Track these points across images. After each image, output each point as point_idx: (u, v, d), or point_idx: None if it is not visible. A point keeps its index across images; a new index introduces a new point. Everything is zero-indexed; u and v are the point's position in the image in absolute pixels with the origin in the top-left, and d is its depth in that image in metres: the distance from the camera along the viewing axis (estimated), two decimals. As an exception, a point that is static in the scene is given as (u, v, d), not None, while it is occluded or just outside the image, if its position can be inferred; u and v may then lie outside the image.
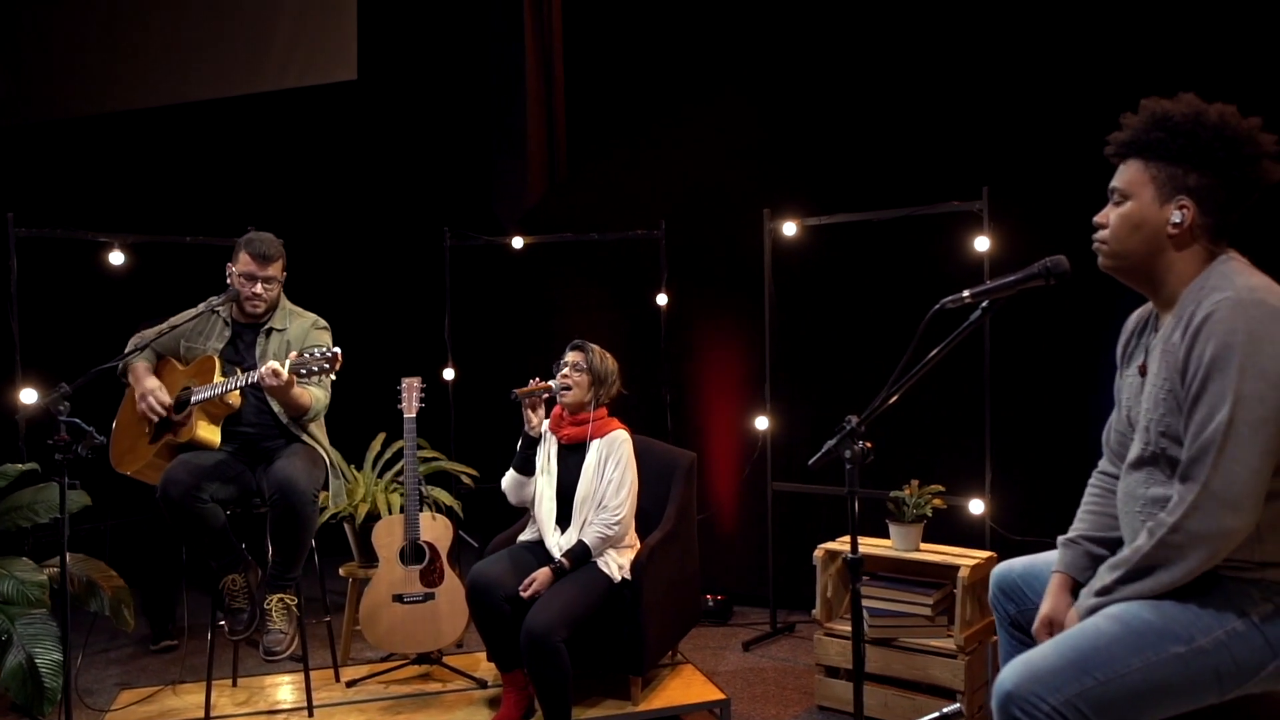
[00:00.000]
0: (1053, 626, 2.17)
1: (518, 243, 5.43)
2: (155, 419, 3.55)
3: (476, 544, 4.06)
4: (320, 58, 6.63)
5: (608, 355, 3.76)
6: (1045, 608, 2.21)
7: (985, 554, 3.89)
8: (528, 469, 3.74)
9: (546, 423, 3.78)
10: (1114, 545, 2.12)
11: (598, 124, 6.32)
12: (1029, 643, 2.25)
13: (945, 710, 2.04)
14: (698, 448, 4.70)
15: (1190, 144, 2.01)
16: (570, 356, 3.71)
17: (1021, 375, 4.55)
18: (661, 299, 5.31)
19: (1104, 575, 2.04)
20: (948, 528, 4.29)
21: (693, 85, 5.77)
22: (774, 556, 4.96)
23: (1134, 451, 2.12)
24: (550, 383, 3.69)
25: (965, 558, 3.81)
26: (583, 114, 6.51)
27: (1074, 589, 2.21)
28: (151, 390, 3.55)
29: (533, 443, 3.74)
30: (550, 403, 3.79)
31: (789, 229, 4.83)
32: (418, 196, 6.54)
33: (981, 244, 4.24)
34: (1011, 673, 1.95)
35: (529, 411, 3.70)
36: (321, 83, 6.62)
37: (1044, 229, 4.05)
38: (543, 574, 3.46)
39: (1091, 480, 2.39)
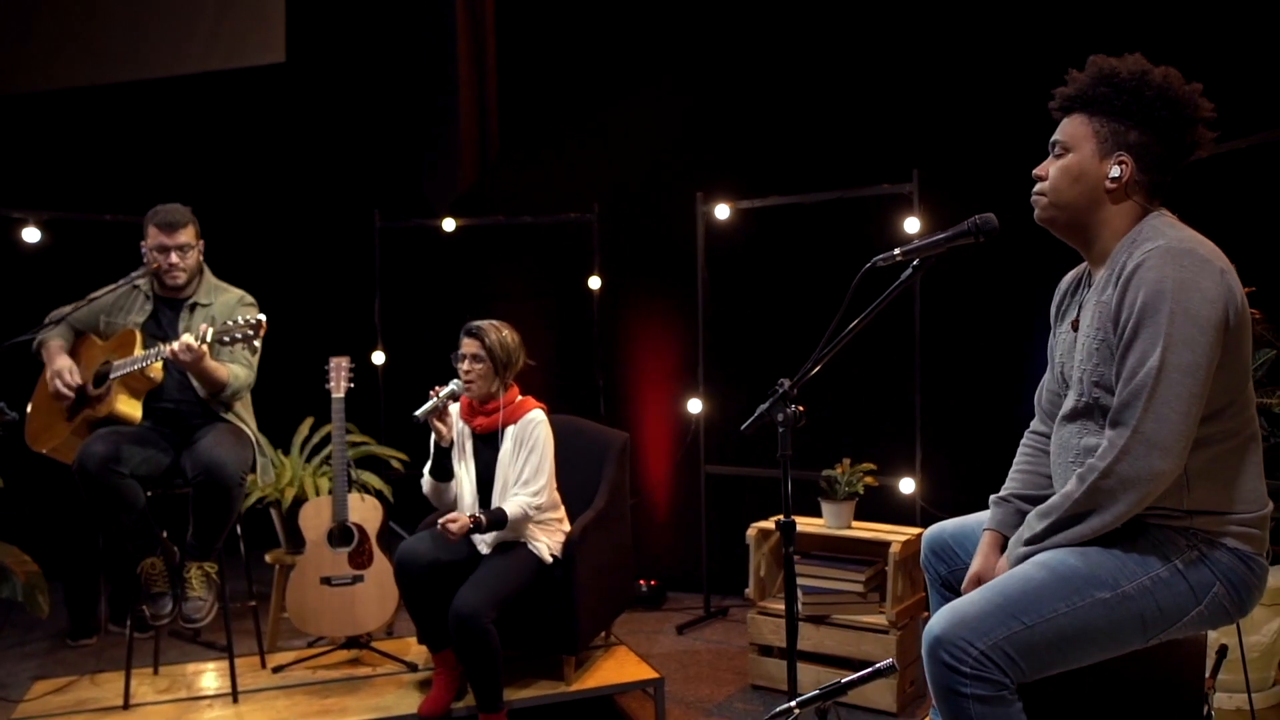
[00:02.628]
0: (980, 583, 2.18)
1: (449, 225, 5.37)
2: (68, 398, 3.44)
3: (406, 534, 4.01)
4: (247, 40, 6.50)
5: (504, 329, 3.56)
6: (975, 565, 2.23)
7: (916, 530, 3.93)
8: (445, 476, 3.59)
9: (457, 410, 3.63)
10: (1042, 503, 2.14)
11: (530, 107, 6.28)
12: (960, 602, 2.26)
13: (879, 665, 2.03)
14: (631, 431, 4.68)
15: (1134, 101, 2.04)
16: (467, 346, 3.51)
17: (950, 358, 4.61)
18: (594, 282, 5.28)
19: (1033, 523, 2.06)
20: (879, 507, 4.33)
21: (625, 69, 5.76)
22: (707, 541, 4.97)
23: (1068, 404, 2.14)
24: (452, 384, 3.50)
25: (897, 534, 3.85)
26: (515, 98, 6.46)
27: (1004, 547, 2.22)
28: (61, 370, 3.43)
29: (445, 452, 3.58)
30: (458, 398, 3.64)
31: (722, 212, 4.83)
32: (348, 179, 6.43)
33: (912, 225, 4.29)
34: (940, 619, 1.97)
35: (437, 424, 3.52)
36: (248, 65, 6.48)
37: (972, 210, 4.08)
38: (462, 518, 3.33)
39: (1024, 440, 2.41)
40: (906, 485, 4.33)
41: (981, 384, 4.58)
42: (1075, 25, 4.43)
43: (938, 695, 1.96)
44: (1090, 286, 2.15)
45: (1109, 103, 2.06)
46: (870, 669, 2.02)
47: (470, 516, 3.38)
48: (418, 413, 3.48)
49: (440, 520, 3.35)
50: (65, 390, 3.43)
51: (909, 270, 2.20)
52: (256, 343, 3.35)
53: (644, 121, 5.58)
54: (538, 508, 3.49)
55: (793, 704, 2.00)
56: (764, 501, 4.96)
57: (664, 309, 5.41)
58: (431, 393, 3.51)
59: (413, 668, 3.81)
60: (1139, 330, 1.93)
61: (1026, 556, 2.05)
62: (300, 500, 4.32)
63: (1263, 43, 3.81)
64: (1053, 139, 2.16)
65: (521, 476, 3.51)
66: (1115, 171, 2.05)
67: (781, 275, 5.09)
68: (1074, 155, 2.10)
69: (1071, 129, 2.12)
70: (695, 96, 5.46)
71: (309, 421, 4.82)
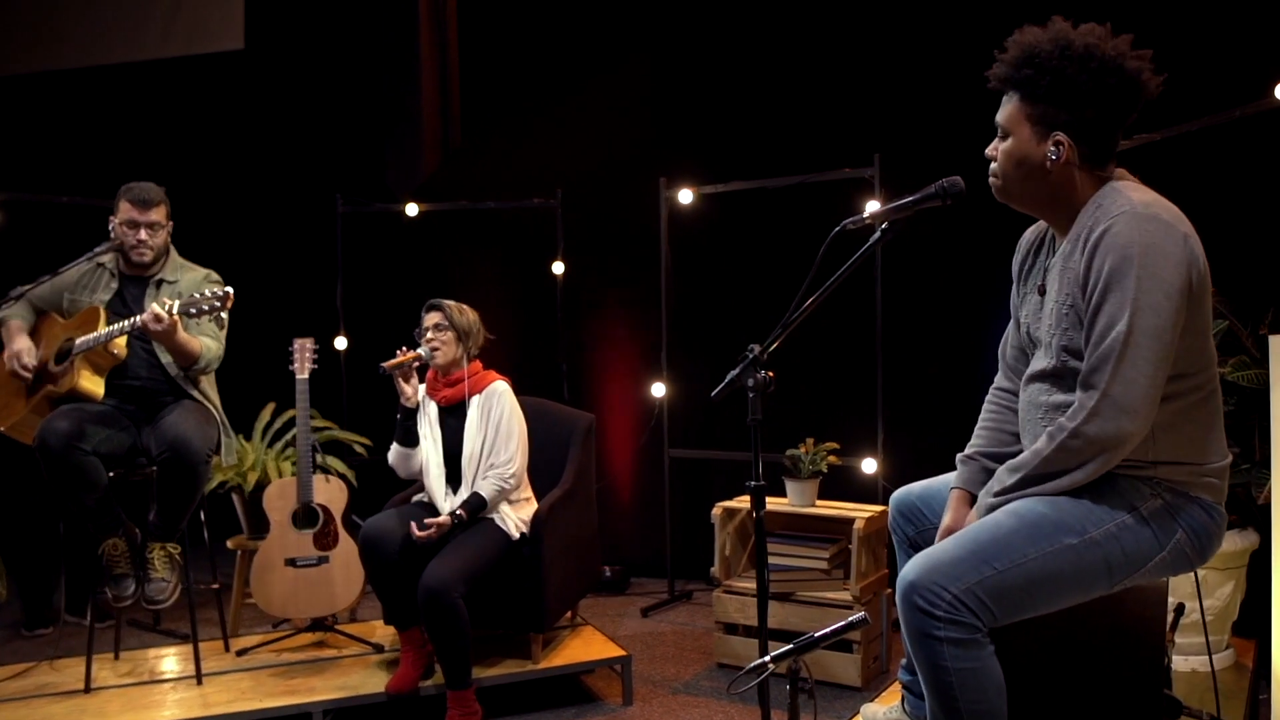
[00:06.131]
0: None
1: (412, 209, 5.35)
2: (25, 378, 3.40)
3: (362, 523, 4.02)
4: (205, 27, 6.44)
5: (465, 308, 3.69)
6: (946, 520, 2.27)
7: (879, 508, 3.98)
8: (410, 440, 3.66)
9: (423, 389, 3.71)
10: (1008, 460, 2.18)
11: (493, 93, 6.25)
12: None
13: (851, 619, 2.06)
14: (594, 416, 4.70)
15: (1057, 80, 2.05)
16: (430, 318, 3.64)
17: (911, 339, 4.66)
18: (558, 267, 5.29)
19: (1004, 477, 2.10)
20: (841, 487, 4.38)
21: (588, 54, 5.76)
22: (671, 525, 4.99)
23: (1036, 365, 2.19)
24: (418, 350, 3.61)
25: (860, 511, 3.89)
26: (478, 83, 6.44)
27: (972, 503, 2.27)
28: (18, 352, 3.41)
29: (410, 414, 3.66)
30: (423, 370, 3.72)
31: (685, 197, 4.86)
32: (310, 164, 6.37)
33: (874, 209, 4.32)
34: (914, 566, 2.01)
35: (401, 383, 3.60)
36: (207, 51, 6.42)
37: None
38: (442, 519, 3.40)
39: (988, 397, 2.45)
40: (869, 465, 4.38)
41: (942, 365, 4.64)
42: (1033, 8, 4.50)
43: (912, 640, 2.00)
44: (1055, 251, 2.19)
45: (1035, 85, 2.07)
46: (842, 623, 2.05)
47: (450, 515, 3.42)
48: (385, 364, 3.54)
49: (417, 537, 3.37)
50: (21, 373, 3.39)
51: (877, 234, 2.24)
52: (224, 315, 3.34)
53: (608, 107, 5.59)
54: (513, 475, 3.53)
55: (767, 659, 2.03)
56: (727, 485, 4.99)
57: (627, 294, 5.43)
58: (399, 351, 3.59)
59: (379, 649, 3.80)
60: (1107, 295, 1.97)
61: (995, 508, 2.09)
62: (263, 485, 4.29)
63: (1207, 29, 3.89)
64: (996, 119, 2.18)
65: (492, 446, 3.55)
66: (1053, 153, 2.08)
67: (745, 260, 5.13)
68: (1013, 140, 2.13)
69: (1008, 113, 2.14)
70: (658, 82, 5.48)
71: (271, 406, 4.78)
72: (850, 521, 3.80)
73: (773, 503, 4.06)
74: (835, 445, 4.04)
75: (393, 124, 6.42)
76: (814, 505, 4.00)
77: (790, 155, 4.85)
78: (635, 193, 5.16)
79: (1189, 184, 3.84)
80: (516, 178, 5.64)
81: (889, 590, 3.99)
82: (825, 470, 4.00)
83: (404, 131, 6.35)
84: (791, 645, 2.02)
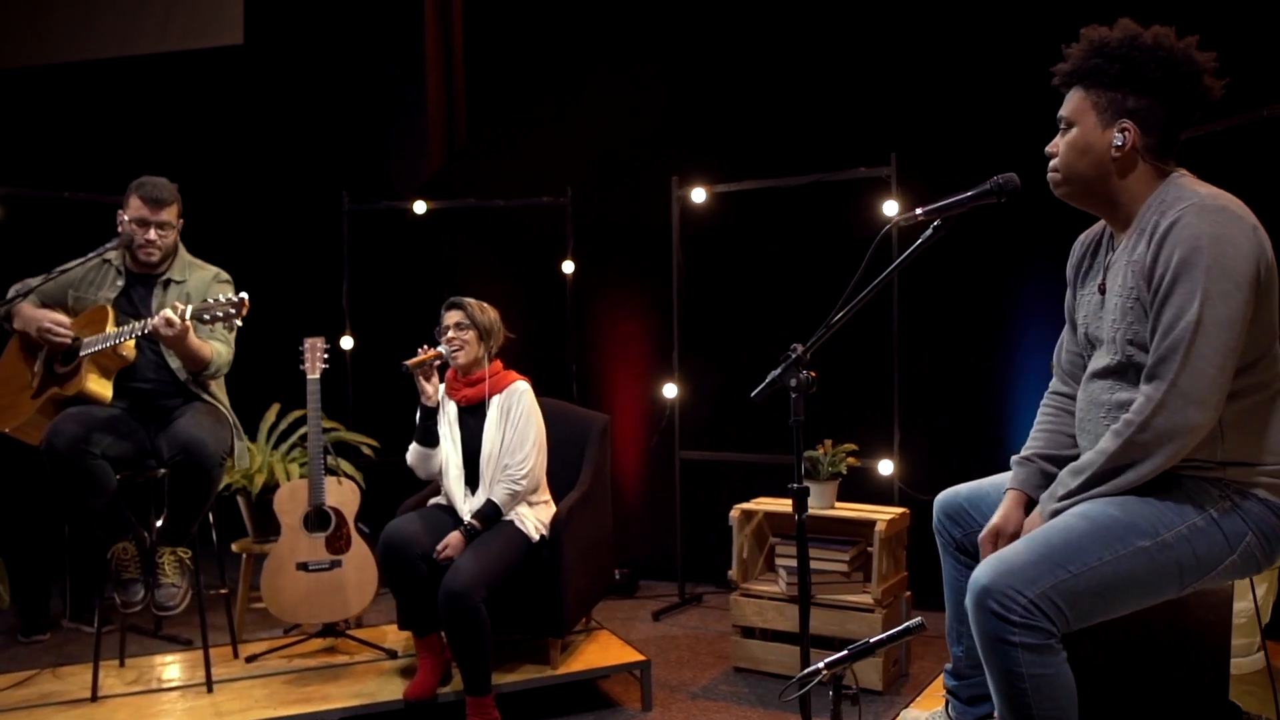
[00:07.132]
0: (999, 538, 2.19)
1: (419, 207, 5.27)
2: (64, 342, 3.28)
3: (368, 530, 3.92)
4: (203, 21, 6.34)
5: (486, 306, 3.64)
6: (996, 519, 2.23)
7: (900, 510, 3.93)
8: (430, 440, 3.61)
9: (442, 389, 3.66)
10: (1068, 463, 2.15)
11: (500, 89, 6.16)
12: (974, 566, 2.26)
13: (908, 624, 2.02)
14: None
15: (1126, 68, 2.06)
16: (451, 317, 3.59)
17: (928, 343, 4.62)
18: (568, 266, 5.22)
19: (1067, 480, 2.07)
20: (857, 489, 4.34)
21: (598, 49, 5.69)
22: (681, 528, 4.93)
23: (1099, 363, 2.16)
24: (440, 348, 3.57)
25: (880, 513, 3.84)
26: (484, 79, 6.35)
27: (1028, 506, 2.23)
28: (42, 317, 3.29)
29: (431, 413, 3.61)
30: (443, 368, 3.66)
31: (698, 196, 4.80)
32: (314, 161, 6.27)
33: (890, 208, 4.29)
34: (986, 570, 1.96)
35: (422, 382, 3.58)
36: (205, 46, 6.32)
37: (951, 193, 4.11)
38: (454, 537, 3.35)
39: (1044, 401, 2.42)
40: (885, 467, 4.34)
41: (959, 368, 4.60)
42: (1051, 6, 4.47)
43: (985, 646, 1.95)
44: (1115, 249, 2.16)
45: (1103, 73, 2.09)
46: (899, 628, 2.01)
47: (463, 530, 3.37)
48: (407, 362, 3.50)
49: (436, 554, 3.33)
50: (63, 333, 3.28)
51: (929, 230, 2.19)
52: (237, 321, 3.25)
53: (618, 104, 5.52)
54: (525, 477, 3.47)
55: (820, 664, 1.98)
56: (736, 487, 4.93)
57: (638, 294, 5.36)
58: (421, 349, 3.55)
59: (392, 655, 3.72)
60: (1175, 285, 1.95)
61: (1060, 512, 2.05)
62: (269, 488, 4.22)
63: (1232, 29, 3.86)
64: (1058, 115, 2.19)
65: (508, 445, 3.50)
66: (1119, 140, 2.08)
67: (758, 260, 5.07)
68: (1078, 129, 2.13)
69: (1073, 104, 2.15)
70: (670, 79, 5.42)
71: (276, 407, 4.71)
72: (870, 524, 3.75)
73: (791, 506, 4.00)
74: (854, 447, 3.99)
75: (398, 119, 6.32)
76: (833, 507, 3.95)
77: (805, 154, 4.80)
78: (647, 191, 5.10)
79: (1217, 184, 3.82)
80: (525, 175, 5.57)
81: (908, 593, 3.95)
82: (845, 472, 3.95)
83: (409, 127, 6.25)
84: (846, 652, 1.97)
